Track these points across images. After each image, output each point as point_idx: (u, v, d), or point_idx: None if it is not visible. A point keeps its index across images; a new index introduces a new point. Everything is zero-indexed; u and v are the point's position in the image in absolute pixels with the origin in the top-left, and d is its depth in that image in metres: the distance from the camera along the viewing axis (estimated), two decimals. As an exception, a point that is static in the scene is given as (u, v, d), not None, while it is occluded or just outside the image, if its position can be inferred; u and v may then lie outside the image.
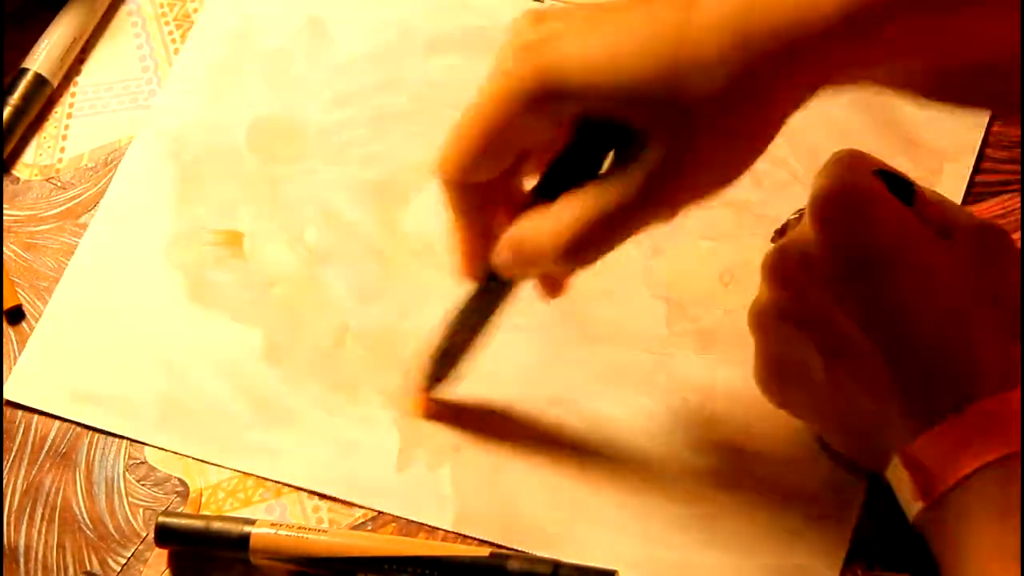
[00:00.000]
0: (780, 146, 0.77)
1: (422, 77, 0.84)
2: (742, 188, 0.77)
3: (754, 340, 0.69)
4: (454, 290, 0.76)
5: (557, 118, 0.64)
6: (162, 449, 0.76)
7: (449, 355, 0.74)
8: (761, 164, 0.77)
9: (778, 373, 0.69)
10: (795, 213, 0.70)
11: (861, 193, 0.65)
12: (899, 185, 0.67)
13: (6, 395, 0.78)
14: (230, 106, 0.84)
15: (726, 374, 0.74)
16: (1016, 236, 0.75)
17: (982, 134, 0.78)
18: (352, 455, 0.74)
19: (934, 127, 0.78)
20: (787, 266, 0.66)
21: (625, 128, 0.62)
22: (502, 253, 0.67)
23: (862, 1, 0.59)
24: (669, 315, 0.76)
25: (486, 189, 0.68)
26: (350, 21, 0.86)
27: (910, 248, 0.65)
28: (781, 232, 0.70)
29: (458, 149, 0.67)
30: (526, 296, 0.77)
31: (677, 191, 0.65)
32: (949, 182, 0.77)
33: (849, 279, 0.64)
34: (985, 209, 0.76)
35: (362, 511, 0.73)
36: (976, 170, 0.79)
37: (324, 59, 0.85)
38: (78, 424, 0.77)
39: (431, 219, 0.77)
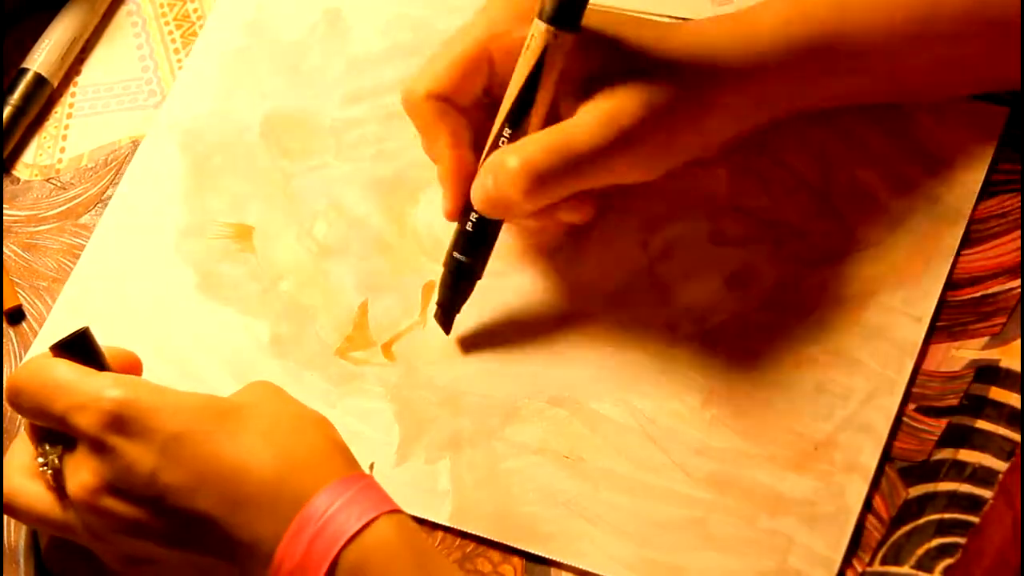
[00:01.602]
0: (789, 151, 0.78)
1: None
2: (750, 193, 0.78)
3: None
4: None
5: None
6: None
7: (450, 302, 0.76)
8: (769, 169, 0.77)
9: None
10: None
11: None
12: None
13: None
14: (244, 99, 0.84)
15: (727, 377, 0.74)
16: (1016, 235, 0.75)
17: (995, 144, 0.77)
18: (352, 448, 0.74)
19: (946, 135, 0.78)
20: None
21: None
22: (477, 188, 0.72)
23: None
24: (673, 317, 0.76)
25: (460, 118, 0.74)
26: (366, 15, 0.86)
27: None
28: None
29: (442, 63, 0.73)
30: (527, 297, 0.77)
31: (645, 145, 0.71)
32: (959, 192, 0.77)
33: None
34: (985, 209, 0.76)
35: (361, 510, 0.74)
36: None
37: (339, 53, 0.85)
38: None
39: (440, 216, 0.77)
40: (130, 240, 0.81)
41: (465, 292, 0.75)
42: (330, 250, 0.80)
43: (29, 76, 0.85)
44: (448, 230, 0.76)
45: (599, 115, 0.71)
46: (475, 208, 0.73)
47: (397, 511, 0.65)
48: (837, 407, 0.73)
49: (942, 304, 0.74)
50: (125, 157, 0.84)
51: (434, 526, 0.73)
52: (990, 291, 0.75)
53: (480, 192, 0.72)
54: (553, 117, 0.72)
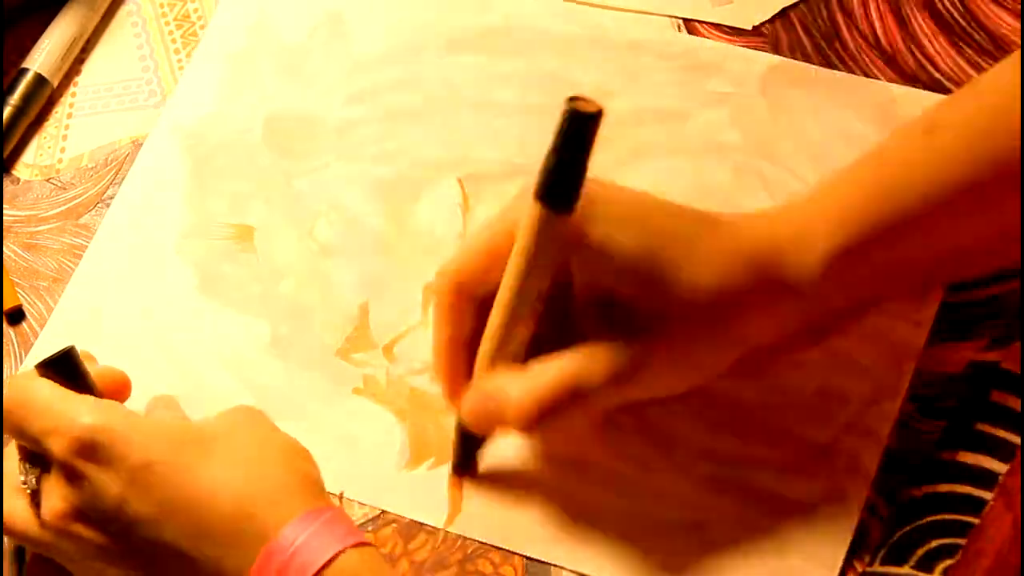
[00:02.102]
0: (792, 155, 0.78)
1: (438, 76, 0.84)
2: (754, 197, 0.78)
3: None
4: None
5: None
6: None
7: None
8: (771, 171, 0.78)
9: None
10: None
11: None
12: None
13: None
14: (245, 101, 0.84)
15: (727, 380, 0.73)
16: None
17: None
18: (354, 451, 0.74)
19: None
20: None
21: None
22: (474, 408, 0.70)
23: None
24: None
25: (470, 316, 0.69)
26: (368, 17, 0.86)
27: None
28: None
29: (468, 254, 0.69)
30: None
31: (657, 378, 0.68)
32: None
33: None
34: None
35: (363, 511, 0.73)
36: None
37: (341, 55, 0.85)
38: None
39: (441, 217, 0.78)
40: (131, 241, 0.81)
41: (476, 452, 0.73)
42: (331, 251, 0.80)
43: (29, 76, 0.85)
44: (448, 231, 0.76)
45: (616, 352, 0.67)
46: (463, 422, 0.71)
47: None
48: (838, 411, 0.73)
49: (942, 305, 0.74)
50: (125, 157, 0.84)
51: (438, 531, 0.73)
52: (991, 292, 0.75)
53: (476, 414, 0.70)
54: (561, 318, 0.69)
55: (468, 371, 0.70)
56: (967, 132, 0.67)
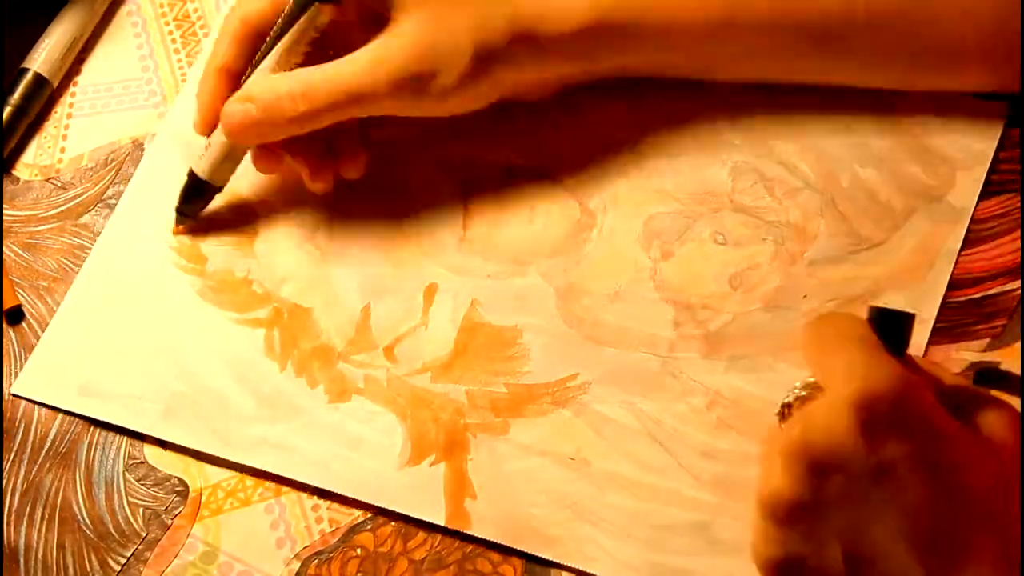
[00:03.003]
0: (791, 152, 0.78)
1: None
2: (753, 193, 0.78)
3: (764, 525, 0.62)
4: (461, 290, 0.77)
5: None
6: (166, 443, 0.76)
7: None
8: (771, 170, 0.78)
9: (788, 564, 0.63)
10: (800, 390, 0.64)
11: (906, 396, 0.60)
12: (894, 323, 0.64)
13: (16, 391, 0.78)
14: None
15: (732, 378, 0.74)
16: (1017, 235, 0.76)
17: (995, 143, 0.77)
18: (355, 451, 0.74)
19: (947, 135, 0.78)
20: (816, 460, 0.60)
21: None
22: (235, 111, 0.76)
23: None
24: (677, 318, 0.76)
25: (245, 54, 0.77)
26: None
27: (950, 452, 0.60)
28: (786, 411, 0.64)
29: None
30: (532, 299, 0.77)
31: (414, 94, 0.74)
32: (961, 191, 0.77)
33: (888, 486, 0.60)
34: (986, 209, 0.77)
35: (362, 511, 0.74)
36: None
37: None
38: (82, 419, 0.77)
39: (440, 218, 0.78)
40: (133, 245, 0.81)
41: (203, 204, 0.81)
42: (332, 254, 0.80)
43: (29, 76, 0.85)
44: (448, 231, 0.76)
45: (371, 57, 0.74)
46: (223, 130, 0.76)
47: None
48: (842, 409, 0.73)
49: (943, 305, 0.74)
50: (125, 157, 0.84)
51: (437, 529, 0.73)
52: (990, 292, 0.75)
53: (237, 116, 0.75)
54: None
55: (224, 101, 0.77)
56: None
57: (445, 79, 0.75)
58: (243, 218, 0.81)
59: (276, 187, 0.82)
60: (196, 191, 0.80)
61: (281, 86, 0.75)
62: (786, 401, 0.63)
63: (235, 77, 0.77)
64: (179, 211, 0.81)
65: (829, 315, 0.64)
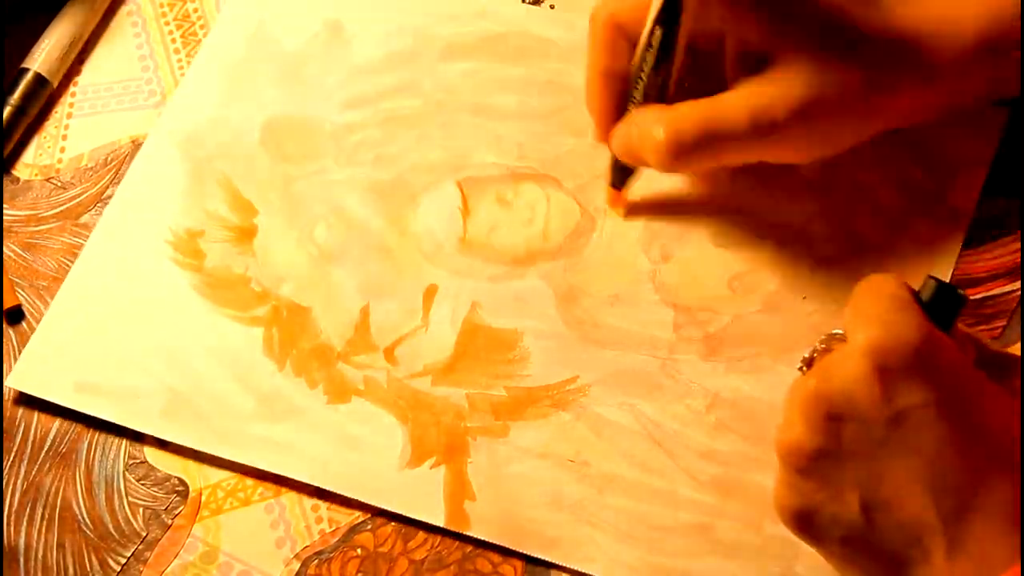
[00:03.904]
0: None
1: (436, 82, 0.84)
2: (752, 194, 0.78)
3: (783, 474, 0.64)
4: (461, 292, 0.77)
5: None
6: (166, 443, 0.76)
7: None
8: (771, 171, 0.78)
9: (807, 512, 0.64)
10: (821, 342, 0.64)
11: (925, 347, 0.60)
12: (946, 297, 0.63)
13: (10, 383, 0.78)
14: (245, 106, 0.84)
15: (732, 380, 0.74)
16: (1017, 236, 0.76)
17: (995, 144, 0.78)
18: (355, 451, 0.74)
19: (947, 136, 0.78)
20: (832, 408, 0.61)
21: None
22: (620, 138, 0.73)
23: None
24: (677, 320, 0.76)
25: (625, 52, 0.73)
26: (367, 25, 0.86)
27: (973, 402, 0.61)
28: (808, 363, 0.65)
29: None
30: (532, 301, 0.77)
31: (798, 139, 0.70)
32: (961, 192, 0.77)
33: (905, 431, 0.60)
34: (985, 210, 0.76)
35: (362, 511, 0.74)
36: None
37: (340, 61, 0.85)
38: (80, 416, 0.77)
39: (440, 220, 0.78)
40: (128, 239, 0.81)
41: (628, 178, 0.78)
42: (331, 254, 0.80)
43: (29, 76, 0.85)
44: (448, 233, 0.77)
45: (753, 100, 0.70)
46: (613, 153, 0.75)
47: None
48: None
49: (943, 305, 0.75)
50: (125, 157, 0.84)
51: (437, 530, 0.73)
52: (990, 293, 0.75)
53: (621, 144, 0.73)
54: (717, 78, 0.73)
55: (616, 105, 0.74)
56: None
57: (829, 130, 0.72)
58: (243, 217, 0.82)
59: (275, 186, 0.82)
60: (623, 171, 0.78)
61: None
62: (809, 354, 0.65)
63: (620, 78, 0.74)
64: (614, 185, 0.79)
65: (873, 276, 0.63)
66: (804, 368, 0.65)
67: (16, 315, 0.80)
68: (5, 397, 0.78)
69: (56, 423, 0.77)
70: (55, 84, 0.86)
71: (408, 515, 0.73)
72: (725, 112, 0.70)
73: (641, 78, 0.72)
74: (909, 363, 0.60)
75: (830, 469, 0.62)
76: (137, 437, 0.77)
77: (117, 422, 0.76)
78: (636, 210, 0.79)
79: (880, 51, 0.70)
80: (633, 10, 0.72)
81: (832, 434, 0.61)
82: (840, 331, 0.63)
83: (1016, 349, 0.73)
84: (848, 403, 0.61)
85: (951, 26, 0.71)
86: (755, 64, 0.71)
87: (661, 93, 0.72)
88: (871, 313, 0.61)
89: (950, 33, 0.71)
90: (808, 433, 0.62)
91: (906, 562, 0.61)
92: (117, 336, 0.79)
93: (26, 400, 0.78)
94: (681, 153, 0.70)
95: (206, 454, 0.75)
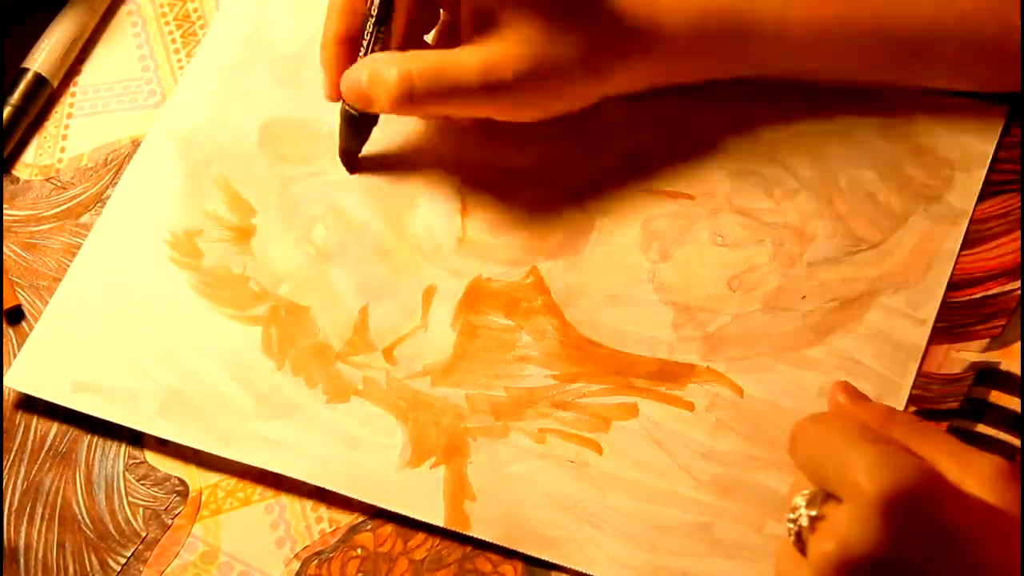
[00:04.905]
0: (789, 154, 0.78)
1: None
2: (751, 195, 0.78)
3: None
4: (460, 292, 0.77)
5: None
6: (166, 443, 0.76)
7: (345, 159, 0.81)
8: (770, 171, 0.78)
9: None
10: (807, 507, 0.60)
11: (929, 482, 0.58)
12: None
13: (8, 382, 0.78)
14: (242, 108, 0.85)
15: (732, 379, 0.74)
16: (1016, 235, 0.76)
17: (995, 143, 0.78)
18: (355, 451, 0.74)
19: (945, 135, 0.78)
20: (852, 571, 0.57)
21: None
22: (350, 81, 0.76)
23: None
24: (676, 320, 0.76)
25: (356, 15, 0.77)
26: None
27: (984, 535, 0.58)
28: (797, 534, 0.60)
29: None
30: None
31: (521, 98, 0.74)
32: (960, 191, 0.77)
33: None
34: (985, 209, 0.77)
35: (362, 511, 0.74)
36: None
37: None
38: (80, 416, 0.77)
39: (440, 220, 0.78)
40: (126, 238, 0.81)
41: (363, 137, 0.81)
42: (329, 255, 0.80)
43: (29, 76, 0.85)
44: (446, 234, 0.77)
45: (481, 59, 0.73)
46: (343, 97, 0.77)
47: None
48: (842, 411, 0.73)
49: (942, 305, 0.75)
50: (125, 157, 0.84)
51: (437, 530, 0.73)
52: (990, 292, 0.75)
53: (353, 85, 0.76)
54: (452, 35, 0.77)
55: (348, 66, 0.77)
56: None
57: (554, 91, 0.75)
58: (242, 216, 0.82)
59: (273, 187, 0.82)
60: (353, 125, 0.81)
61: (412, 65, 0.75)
62: (796, 522, 0.60)
63: (354, 43, 0.78)
64: (344, 152, 0.82)
65: (815, 416, 0.62)
66: (798, 539, 0.61)
67: (16, 315, 0.80)
68: (5, 397, 0.78)
69: (56, 423, 0.77)
70: (55, 84, 0.86)
71: (408, 515, 0.73)
72: (458, 63, 0.73)
73: (365, 39, 0.76)
74: (919, 507, 0.57)
75: None
76: (137, 436, 0.77)
77: (115, 421, 0.76)
78: (366, 165, 0.82)
79: (606, 18, 0.74)
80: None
81: None
82: (812, 490, 0.60)
83: (1016, 348, 0.73)
84: (874, 562, 0.57)
85: (677, 2, 0.75)
86: (490, 24, 0.74)
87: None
88: (865, 459, 0.58)
89: (676, 10, 0.75)
90: None
91: None
92: (115, 335, 0.79)
93: (26, 400, 0.78)
94: (414, 96, 0.73)
95: (206, 454, 0.75)
